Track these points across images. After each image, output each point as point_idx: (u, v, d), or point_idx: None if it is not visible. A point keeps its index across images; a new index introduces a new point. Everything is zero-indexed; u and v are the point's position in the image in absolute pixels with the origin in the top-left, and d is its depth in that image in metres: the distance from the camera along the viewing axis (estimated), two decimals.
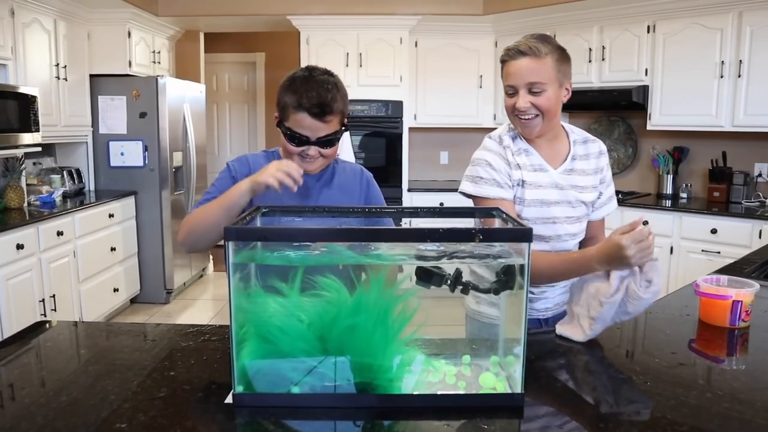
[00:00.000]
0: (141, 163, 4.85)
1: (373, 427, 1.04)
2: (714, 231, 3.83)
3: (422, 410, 1.09)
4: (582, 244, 1.77)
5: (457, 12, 5.01)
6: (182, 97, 5.06)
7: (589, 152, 1.71)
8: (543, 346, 1.42)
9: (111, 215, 4.40)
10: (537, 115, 1.56)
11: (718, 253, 3.79)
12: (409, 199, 5.30)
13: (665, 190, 4.62)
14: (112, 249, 4.44)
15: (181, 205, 5.13)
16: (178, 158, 5.05)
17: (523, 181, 1.62)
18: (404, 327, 1.10)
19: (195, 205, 1.56)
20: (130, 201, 4.76)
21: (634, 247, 1.29)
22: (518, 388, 1.10)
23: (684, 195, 4.49)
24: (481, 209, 1.45)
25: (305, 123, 1.52)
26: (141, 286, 4.94)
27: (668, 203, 4.32)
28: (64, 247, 3.79)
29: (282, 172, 1.42)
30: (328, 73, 1.57)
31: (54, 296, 3.65)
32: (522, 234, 1.05)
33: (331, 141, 1.56)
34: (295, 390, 1.10)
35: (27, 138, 3.71)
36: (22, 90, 3.68)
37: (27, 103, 3.69)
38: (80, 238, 3.98)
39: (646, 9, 4.35)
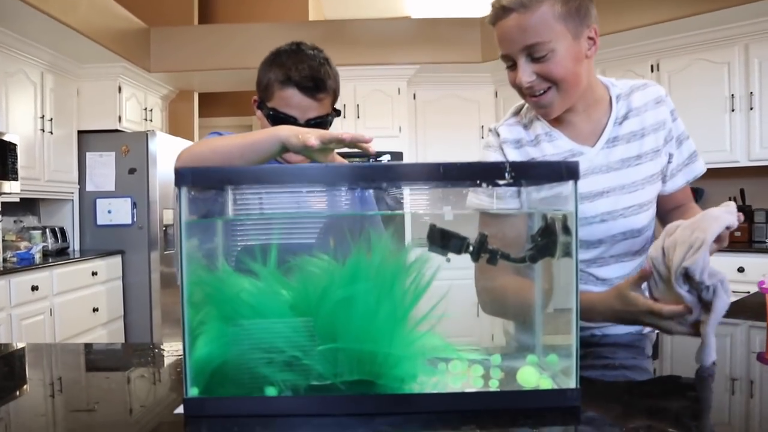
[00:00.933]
0: (129, 221, 4.62)
1: None
2: (741, 269, 3.56)
3: (443, 416, 0.79)
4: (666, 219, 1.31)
5: (455, 60, 4.92)
6: (174, 154, 4.88)
7: (639, 105, 1.23)
8: (589, 348, 1.14)
9: (94, 273, 4.12)
10: (549, 88, 1.14)
11: (748, 292, 3.49)
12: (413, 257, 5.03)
13: None
14: (95, 310, 4.12)
15: (171, 266, 4.85)
16: (168, 216, 4.82)
17: None
18: (418, 302, 0.83)
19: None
20: (117, 260, 4.49)
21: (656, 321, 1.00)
22: (572, 383, 0.82)
23: None
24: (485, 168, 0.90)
25: (294, 101, 1.30)
26: None
27: None
28: (40, 303, 3.49)
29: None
30: (317, 48, 1.38)
31: None
32: (567, 170, 0.79)
33: (321, 124, 1.34)
34: (271, 392, 0.81)
35: (4, 186, 3.49)
36: (0, 136, 3.50)
37: (5, 149, 3.49)
38: (58, 296, 3.69)
39: (648, 48, 4.25)
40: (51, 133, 4.20)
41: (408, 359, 0.83)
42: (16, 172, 3.60)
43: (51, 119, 4.20)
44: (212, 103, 6.67)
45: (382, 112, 4.99)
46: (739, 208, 4.12)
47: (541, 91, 1.14)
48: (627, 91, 1.25)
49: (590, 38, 1.15)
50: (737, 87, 3.86)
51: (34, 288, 3.42)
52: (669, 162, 1.26)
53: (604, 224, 1.22)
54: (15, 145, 3.59)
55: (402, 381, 0.83)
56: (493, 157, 1.27)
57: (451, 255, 0.88)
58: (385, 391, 0.82)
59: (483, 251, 0.89)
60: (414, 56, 4.95)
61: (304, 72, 1.29)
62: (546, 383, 0.85)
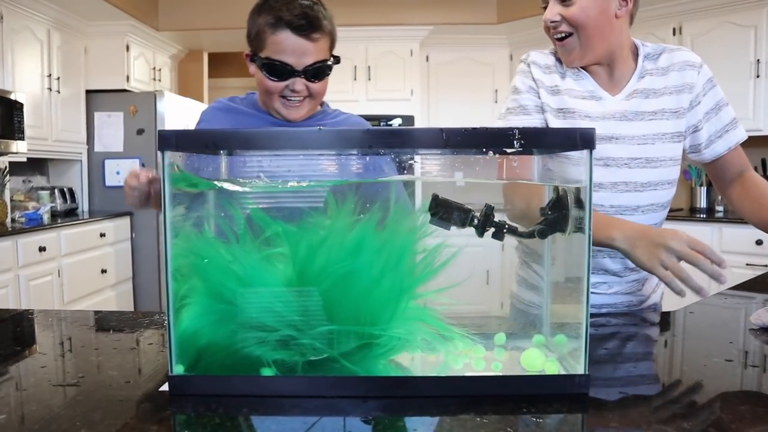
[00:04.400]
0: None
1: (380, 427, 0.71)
2: (759, 242, 3.46)
3: (440, 401, 0.75)
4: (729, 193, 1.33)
5: (469, 21, 4.77)
6: (183, 115, 4.83)
7: (665, 65, 1.25)
8: (599, 332, 1.09)
9: (102, 234, 4.11)
10: (571, 34, 1.19)
11: (766, 266, 3.41)
12: None
13: (699, 204, 4.27)
14: (103, 271, 4.12)
15: None
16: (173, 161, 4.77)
17: (564, 110, 1.23)
18: (427, 279, 0.78)
19: None
20: (125, 221, 4.47)
21: (683, 244, 1.01)
22: (580, 369, 0.77)
23: (720, 208, 4.13)
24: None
25: (287, 44, 1.20)
26: None
27: (703, 218, 3.95)
28: (47, 264, 3.49)
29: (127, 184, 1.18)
30: None
31: None
32: (582, 139, 0.73)
33: (320, 71, 1.25)
34: (267, 372, 0.77)
35: (11, 146, 3.46)
36: (7, 95, 3.44)
37: (11, 108, 3.45)
38: (66, 257, 3.68)
39: (671, 10, 4.08)
40: (58, 92, 4.14)
41: (407, 339, 0.78)
42: (22, 132, 3.55)
43: (58, 78, 4.13)
44: (223, 64, 6.56)
45: (393, 74, 4.88)
46: None
47: (562, 35, 1.20)
48: (658, 51, 1.28)
49: None
50: (763, 52, 3.71)
51: (42, 249, 3.41)
52: (697, 131, 1.28)
53: (606, 169, 1.23)
54: (21, 104, 3.54)
55: (399, 339, 0.78)
56: (520, 80, 1.29)
57: (454, 228, 0.83)
58: (383, 353, 0.77)
59: (488, 225, 0.83)
60: (427, 17, 4.80)
61: (296, 11, 1.19)
62: (552, 367, 0.80)
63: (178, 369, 0.77)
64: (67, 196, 4.35)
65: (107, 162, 4.60)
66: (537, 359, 0.81)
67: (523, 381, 0.77)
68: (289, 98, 1.25)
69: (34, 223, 3.63)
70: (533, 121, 1.25)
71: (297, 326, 0.76)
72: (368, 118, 5.08)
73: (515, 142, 0.70)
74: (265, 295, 0.77)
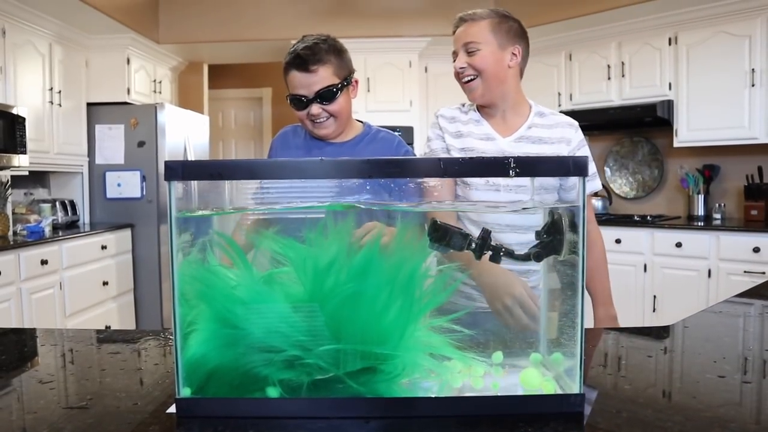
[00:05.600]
0: (138, 195, 4.61)
1: None
2: (756, 250, 3.49)
3: (440, 420, 0.77)
4: None
5: None
6: (184, 127, 4.86)
7: (553, 123, 1.55)
8: (594, 348, 1.11)
9: (104, 247, 4.13)
10: (476, 77, 1.49)
11: (763, 273, 3.44)
12: None
13: (696, 212, 4.29)
14: (105, 283, 4.14)
15: None
16: (178, 189, 4.80)
17: (465, 149, 1.49)
18: (440, 302, 0.81)
19: None
20: (126, 234, 4.50)
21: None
22: (576, 388, 0.79)
23: (717, 216, 4.16)
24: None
25: (296, 80, 1.47)
26: (137, 325, 4.62)
27: (701, 225, 3.97)
28: (49, 277, 3.51)
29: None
30: (320, 35, 1.51)
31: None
32: (575, 166, 0.75)
33: (329, 94, 1.47)
34: (273, 393, 0.79)
35: (13, 160, 3.48)
36: (9, 109, 3.47)
37: (13, 122, 3.47)
38: (68, 270, 3.70)
39: (667, 20, 4.12)
40: (60, 105, 4.17)
41: (411, 354, 0.81)
42: (24, 146, 3.58)
43: (60, 91, 4.17)
44: (222, 75, 6.61)
45: (392, 85, 4.91)
46: (757, 187, 4.02)
47: (469, 78, 1.50)
48: (548, 112, 1.58)
49: (513, 54, 1.49)
50: (758, 61, 3.74)
51: (44, 262, 3.43)
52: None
53: (497, 193, 1.44)
54: (23, 118, 3.57)
55: (404, 367, 0.81)
56: (431, 131, 1.60)
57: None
58: (385, 393, 0.79)
59: (486, 248, 0.85)
60: (426, 28, 4.84)
61: (295, 53, 1.45)
62: (549, 386, 0.82)
63: (185, 392, 0.79)
64: (69, 208, 4.37)
65: (108, 174, 4.62)
66: (535, 378, 0.83)
67: (520, 400, 0.79)
68: (314, 121, 1.51)
69: (36, 236, 3.65)
70: None
71: (303, 346, 0.79)
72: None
73: (511, 170, 0.73)
74: (271, 316, 0.79)
